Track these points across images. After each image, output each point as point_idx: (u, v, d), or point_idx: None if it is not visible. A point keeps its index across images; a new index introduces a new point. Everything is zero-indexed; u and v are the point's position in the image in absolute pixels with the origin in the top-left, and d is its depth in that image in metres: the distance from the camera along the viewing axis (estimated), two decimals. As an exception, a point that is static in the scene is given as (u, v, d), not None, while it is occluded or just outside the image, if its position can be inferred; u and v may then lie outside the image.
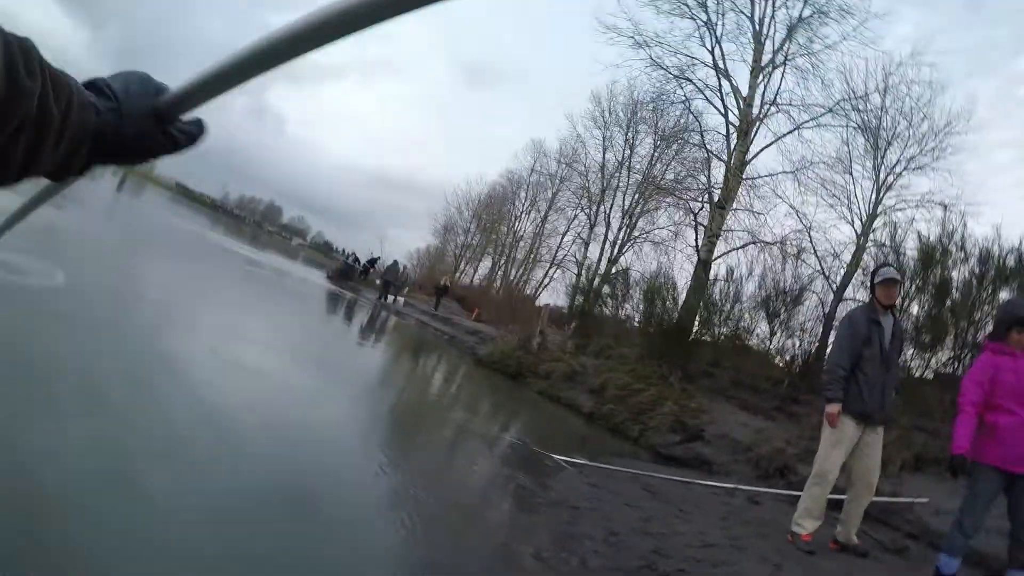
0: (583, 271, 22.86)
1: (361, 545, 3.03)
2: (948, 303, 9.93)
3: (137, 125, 0.65)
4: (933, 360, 10.07)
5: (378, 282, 26.73)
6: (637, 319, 14.90)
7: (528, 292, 30.01)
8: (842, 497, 4.41)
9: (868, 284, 4.23)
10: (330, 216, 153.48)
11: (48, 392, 3.35)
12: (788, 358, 11.62)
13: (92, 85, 0.64)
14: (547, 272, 30.97)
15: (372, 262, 31.06)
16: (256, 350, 6.71)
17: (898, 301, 4.75)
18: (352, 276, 28.75)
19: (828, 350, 8.62)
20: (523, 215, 34.29)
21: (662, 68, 16.65)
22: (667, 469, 6.51)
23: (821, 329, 12.18)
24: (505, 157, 73.21)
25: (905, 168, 14.07)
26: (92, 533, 2.18)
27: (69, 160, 0.61)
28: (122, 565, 2.07)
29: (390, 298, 24.12)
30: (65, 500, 2.30)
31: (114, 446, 2.96)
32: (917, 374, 9.90)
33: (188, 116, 0.70)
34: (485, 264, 36.92)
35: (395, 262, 26.20)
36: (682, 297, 13.91)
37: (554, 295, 28.37)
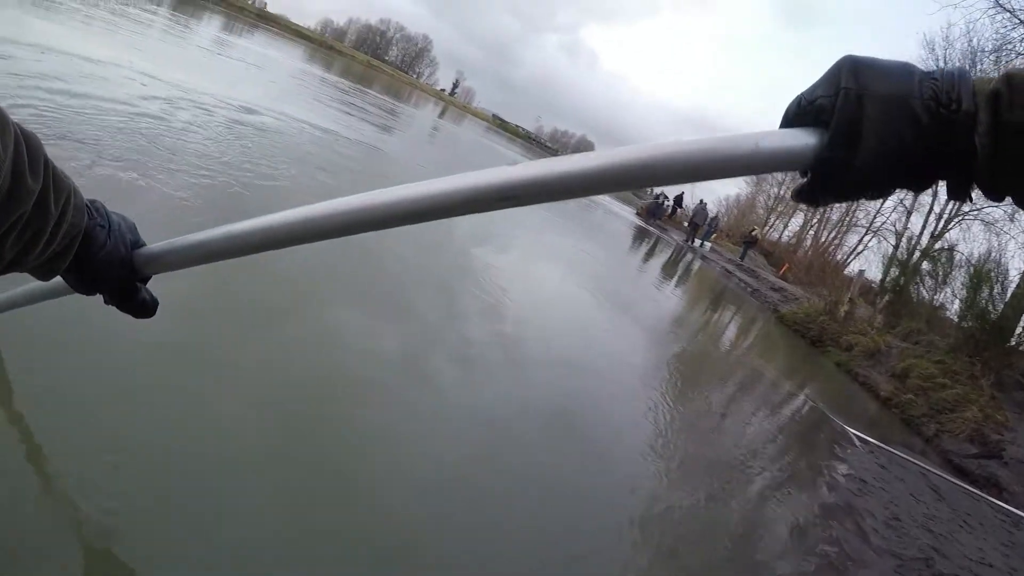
0: (902, 242, 20.83)
1: (629, 477, 2.89)
2: None
3: (114, 256, 0.64)
4: None
5: (686, 224, 26.62)
6: (955, 306, 13.32)
7: (838, 257, 28.22)
8: None
9: None
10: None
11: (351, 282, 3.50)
12: None
13: (91, 203, 0.63)
14: (861, 239, 28.57)
15: (679, 200, 31.15)
16: (559, 271, 6.79)
17: None
18: (660, 215, 28.71)
19: None
20: (843, 171, 31.44)
21: (1007, 11, 13.67)
22: (954, 478, 6.28)
23: None
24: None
25: None
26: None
27: (56, 260, 0.60)
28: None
29: (696, 242, 23.89)
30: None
31: (405, 338, 3.06)
32: None
33: (150, 284, 0.71)
34: (796, 221, 34.86)
35: (703, 204, 25.75)
36: (1011, 290, 11.73)
37: (865, 264, 26.33)
